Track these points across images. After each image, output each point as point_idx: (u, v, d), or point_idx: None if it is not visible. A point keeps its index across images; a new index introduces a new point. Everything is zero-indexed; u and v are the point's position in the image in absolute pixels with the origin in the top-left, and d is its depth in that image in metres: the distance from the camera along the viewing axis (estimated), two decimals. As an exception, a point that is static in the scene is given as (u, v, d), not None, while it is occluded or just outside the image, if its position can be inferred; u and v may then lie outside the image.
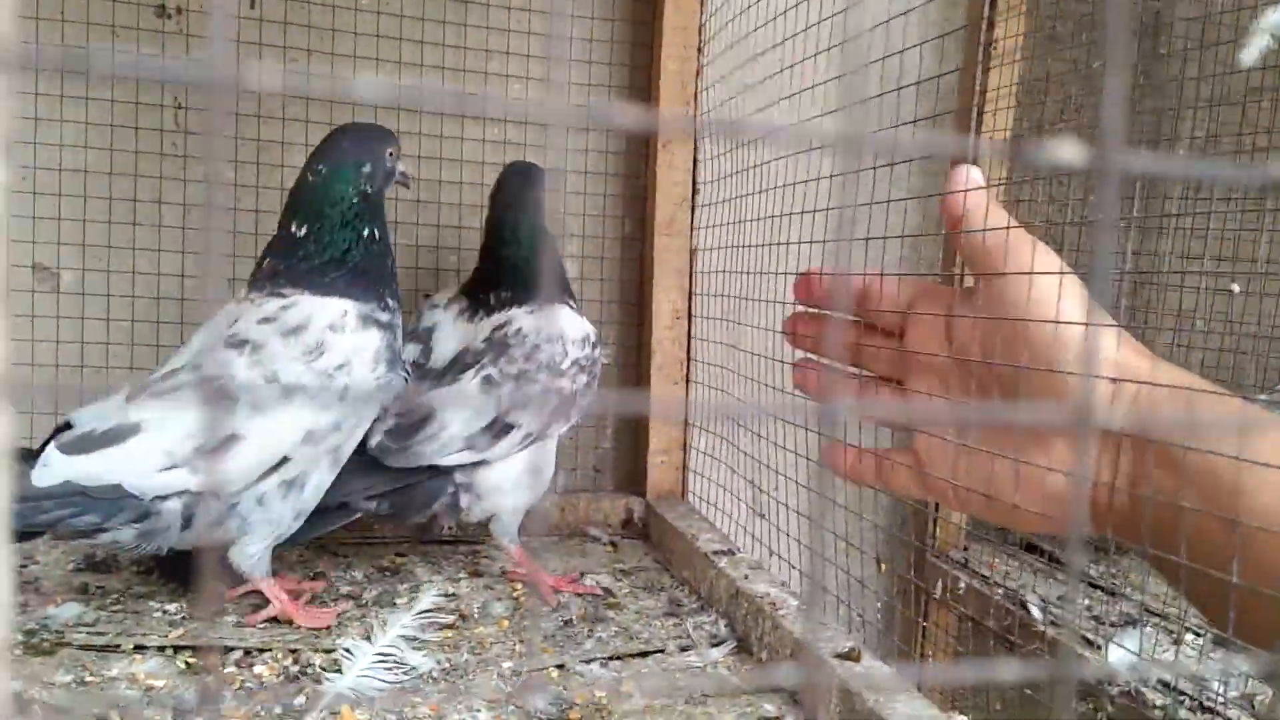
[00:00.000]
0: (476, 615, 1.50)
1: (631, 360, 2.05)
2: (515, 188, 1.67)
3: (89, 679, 1.22)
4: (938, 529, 2.06)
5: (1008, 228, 0.77)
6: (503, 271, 1.66)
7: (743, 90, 1.83)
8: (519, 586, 1.64)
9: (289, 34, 1.82)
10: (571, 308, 1.68)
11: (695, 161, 1.93)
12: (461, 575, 1.70)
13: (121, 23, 1.75)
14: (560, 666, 1.34)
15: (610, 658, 1.37)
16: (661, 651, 1.39)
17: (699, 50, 1.91)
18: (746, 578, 1.46)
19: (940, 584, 1.98)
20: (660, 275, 1.94)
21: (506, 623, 1.49)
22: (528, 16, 1.95)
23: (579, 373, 1.63)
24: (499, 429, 1.55)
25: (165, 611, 1.44)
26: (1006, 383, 0.77)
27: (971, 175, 0.79)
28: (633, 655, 1.38)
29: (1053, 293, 0.74)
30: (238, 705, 1.21)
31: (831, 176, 1.67)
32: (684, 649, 1.40)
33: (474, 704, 1.24)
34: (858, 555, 1.85)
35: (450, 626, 1.45)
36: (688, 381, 1.98)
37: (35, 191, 1.72)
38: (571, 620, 1.50)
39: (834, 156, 1.77)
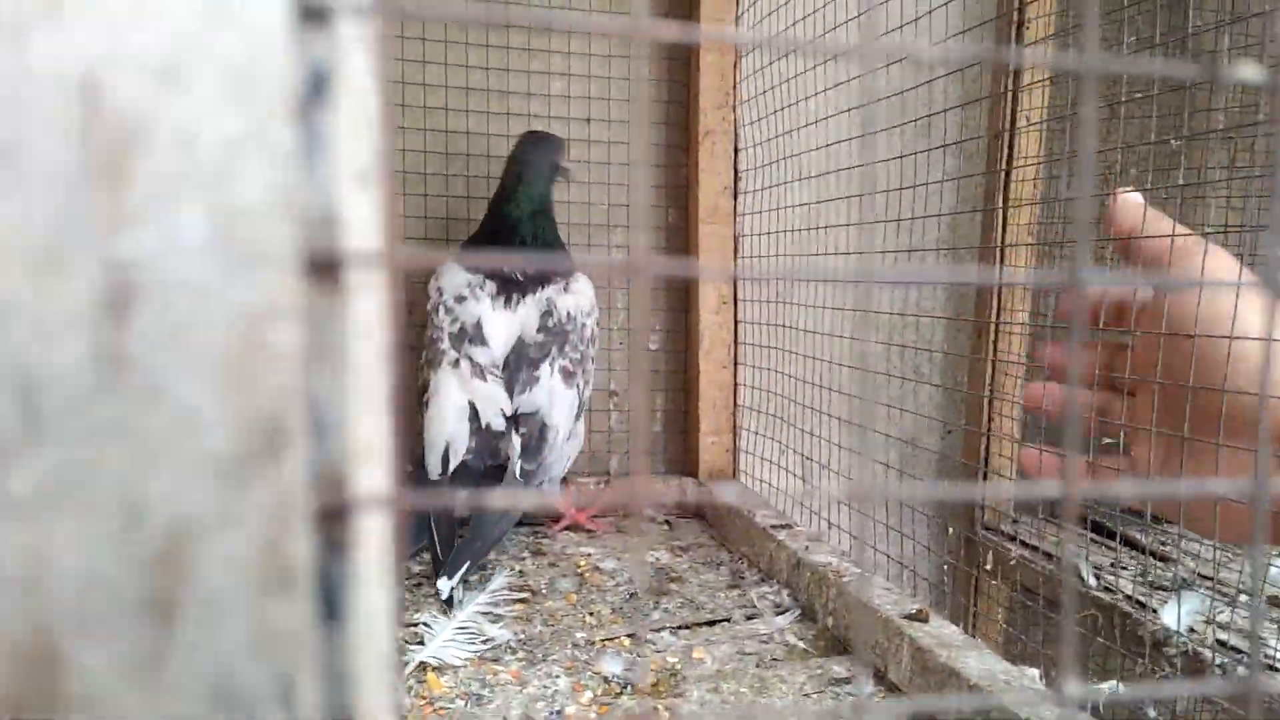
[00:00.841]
0: (544, 590, 1.56)
1: (679, 346, 2.11)
2: (530, 152, 1.75)
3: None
4: (984, 506, 2.10)
5: (1172, 235, 0.77)
6: (513, 232, 1.71)
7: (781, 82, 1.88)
8: (582, 563, 1.70)
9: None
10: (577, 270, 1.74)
11: (735, 150, 1.98)
12: (525, 555, 1.76)
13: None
14: (631, 636, 1.39)
15: (679, 627, 1.42)
16: (728, 620, 1.44)
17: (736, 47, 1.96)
18: (807, 549, 1.51)
19: (990, 556, 2.02)
20: (706, 262, 1.98)
21: (574, 597, 1.55)
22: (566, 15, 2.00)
23: (596, 335, 1.76)
24: (579, 413, 1.64)
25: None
26: (1182, 395, 0.78)
27: (1131, 198, 0.79)
28: (700, 624, 1.43)
29: (1228, 301, 0.73)
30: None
31: (862, 165, 1.72)
32: (749, 617, 1.45)
33: (552, 670, 1.30)
34: (910, 524, 1.89)
35: (521, 601, 1.51)
36: (735, 364, 2.02)
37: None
38: (636, 594, 1.55)
39: (858, 145, 1.82)
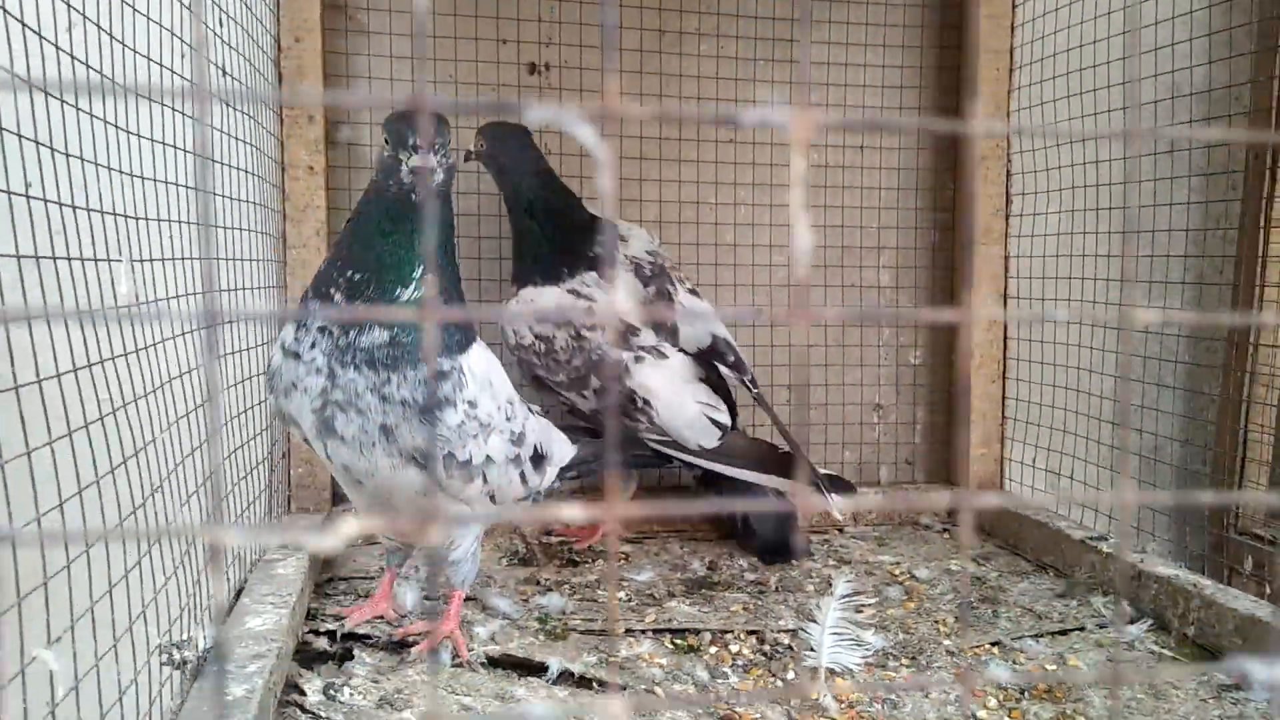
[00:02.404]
0: (879, 598, 1.67)
1: (942, 362, 2.21)
2: (514, 152, 1.80)
3: (611, 659, 1.42)
4: (1239, 510, 2.17)
5: None
6: (554, 242, 1.78)
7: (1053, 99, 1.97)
8: (896, 571, 1.81)
9: (644, 82, 2.02)
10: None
11: (1008, 174, 2.07)
12: (830, 561, 1.87)
13: (503, 80, 1.97)
14: (996, 644, 1.50)
15: (1036, 635, 1.52)
16: (1082, 629, 1.54)
17: (1010, 71, 2.05)
18: (1143, 561, 1.60)
19: (1249, 561, 2.09)
20: (978, 281, 2.08)
21: (911, 604, 1.66)
22: (844, 49, 2.11)
23: None
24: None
25: (617, 599, 1.64)
26: None
27: None
28: (1055, 633, 1.54)
29: None
30: (740, 679, 1.41)
31: (1125, 183, 1.81)
32: (1101, 626, 1.55)
33: (943, 677, 1.42)
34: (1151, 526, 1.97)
35: (864, 608, 1.63)
36: (1004, 379, 2.12)
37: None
38: (971, 602, 1.66)
39: (1122, 164, 1.90)
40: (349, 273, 1.24)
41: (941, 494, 1.98)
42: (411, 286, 1.24)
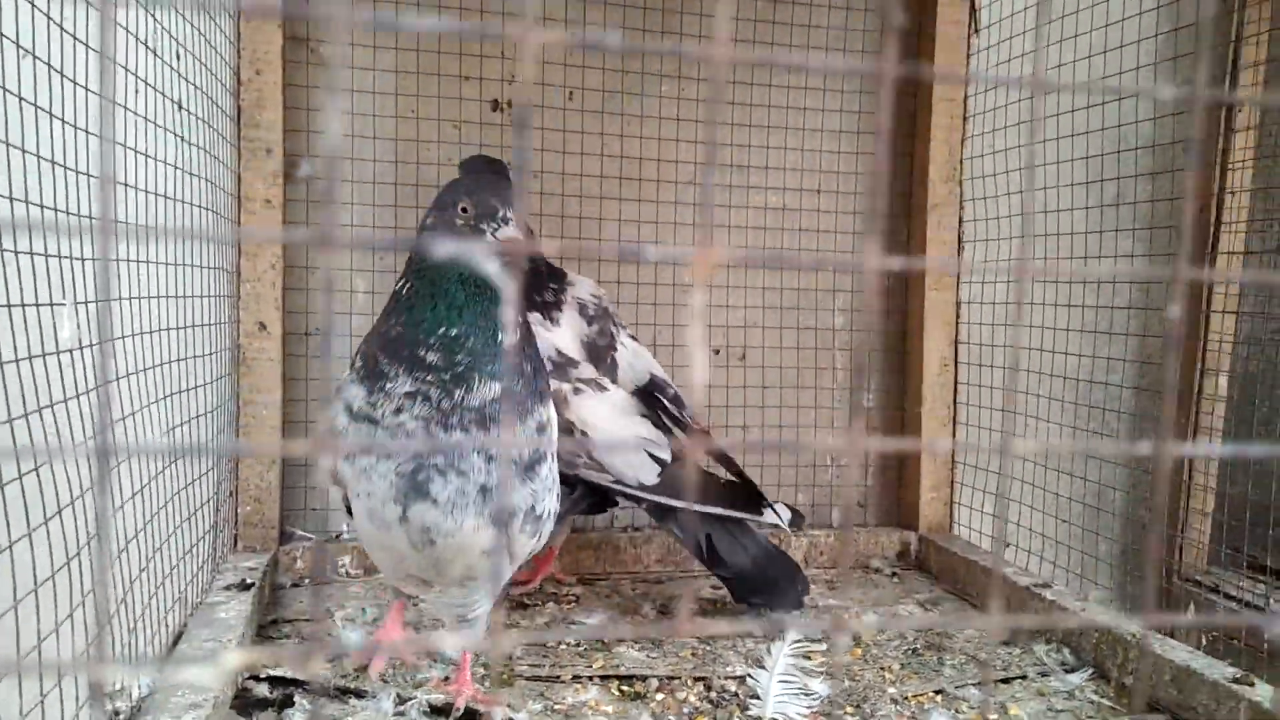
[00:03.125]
0: (832, 645, 1.68)
1: (894, 404, 2.23)
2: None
3: (557, 706, 1.42)
4: (1181, 554, 2.21)
5: None
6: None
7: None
8: (847, 617, 1.82)
9: (605, 121, 2.03)
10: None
11: (960, 221, 2.11)
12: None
13: (465, 117, 1.98)
14: (939, 692, 1.52)
15: (977, 684, 1.54)
16: (1024, 678, 1.56)
17: (963, 119, 2.09)
18: (1084, 610, 1.62)
19: (1190, 609, 2.13)
20: (930, 327, 2.11)
21: (859, 650, 1.67)
22: (803, 94, 2.15)
23: None
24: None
25: (565, 644, 1.64)
26: None
27: None
28: (999, 681, 1.55)
29: None
30: (685, 729, 1.41)
31: (1087, 233, 1.85)
32: (1043, 674, 1.57)
33: (887, 726, 1.43)
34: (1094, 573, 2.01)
35: (813, 654, 1.63)
36: (954, 423, 2.15)
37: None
38: (917, 649, 1.68)
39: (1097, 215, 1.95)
40: (441, 330, 1.21)
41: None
42: (508, 333, 1.20)
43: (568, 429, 1.70)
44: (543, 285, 1.78)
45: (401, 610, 1.47)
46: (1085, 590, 1.91)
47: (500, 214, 1.20)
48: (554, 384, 1.68)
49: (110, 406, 1.05)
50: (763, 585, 1.76)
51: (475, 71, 1.99)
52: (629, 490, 1.73)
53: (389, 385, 1.21)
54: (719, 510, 1.74)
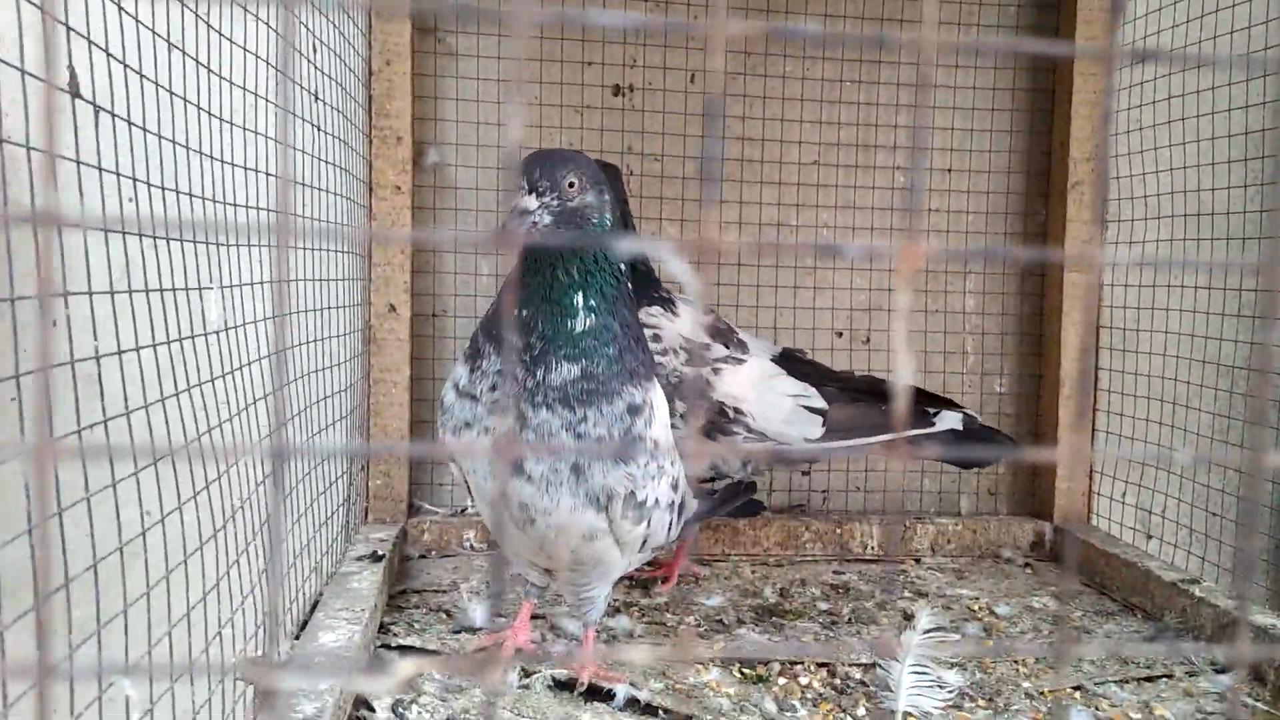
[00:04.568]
0: (955, 633, 1.63)
1: (1029, 390, 2.14)
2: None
3: (678, 686, 1.42)
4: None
5: None
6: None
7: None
8: (976, 609, 1.76)
9: (726, 104, 2.01)
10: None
11: (1104, 200, 2.00)
12: (906, 594, 1.83)
13: (587, 102, 1.99)
14: (1079, 688, 1.45)
15: (1121, 681, 1.47)
16: (1169, 677, 1.48)
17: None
18: (1237, 608, 1.53)
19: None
20: (1069, 309, 2.02)
21: (990, 642, 1.62)
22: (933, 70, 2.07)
23: None
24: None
25: (685, 624, 1.64)
26: None
27: None
28: (1142, 679, 1.48)
29: None
30: (808, 713, 1.39)
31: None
32: (1191, 674, 1.48)
33: (1020, 721, 1.37)
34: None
35: (945, 644, 1.58)
36: (1094, 411, 2.05)
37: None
38: (1053, 643, 1.61)
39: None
40: (518, 311, 1.24)
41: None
42: (579, 317, 1.24)
43: (719, 411, 1.69)
44: (657, 281, 1.78)
45: (530, 610, 1.49)
46: (1238, 588, 1.79)
47: (519, 182, 1.22)
48: (692, 371, 1.68)
49: (285, 409, 1.10)
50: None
51: (596, 57, 2.00)
52: (795, 449, 1.72)
53: (484, 364, 1.26)
54: (889, 438, 1.70)
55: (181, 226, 0.97)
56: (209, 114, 1.02)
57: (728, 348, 1.75)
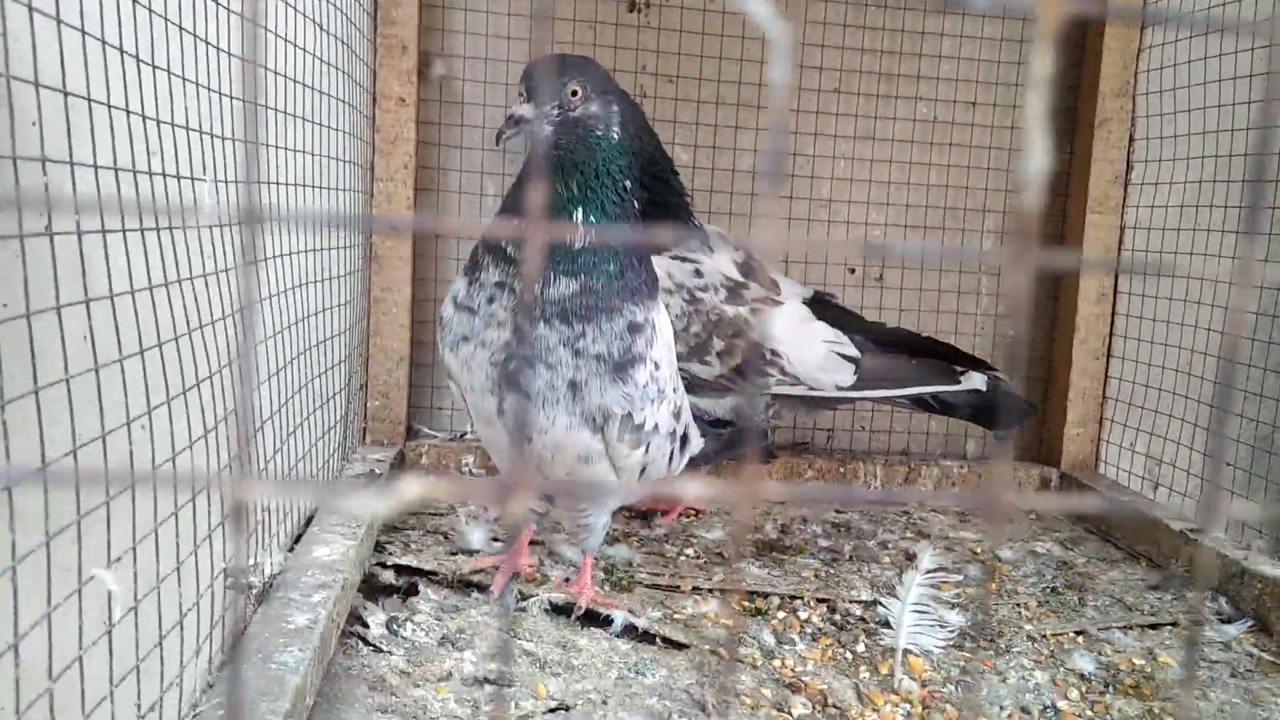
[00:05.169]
0: (960, 575, 1.61)
1: (1041, 335, 2.10)
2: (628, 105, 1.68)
3: (676, 616, 1.39)
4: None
5: None
6: (661, 210, 1.69)
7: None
8: (979, 551, 1.74)
9: (745, 24, 1.94)
10: None
11: (1131, 140, 1.94)
12: (908, 534, 1.81)
13: (601, 17, 1.91)
14: (1081, 633, 1.43)
15: (1125, 627, 1.45)
16: (1174, 624, 1.46)
17: (1140, 28, 1.91)
18: (1246, 558, 1.50)
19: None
20: (1090, 251, 1.96)
21: (994, 585, 1.60)
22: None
23: None
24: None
25: (685, 555, 1.61)
26: None
27: None
28: (1146, 626, 1.45)
29: None
30: (807, 647, 1.37)
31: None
32: (1195, 623, 1.46)
33: (1023, 663, 1.35)
34: None
35: (946, 585, 1.56)
36: (1109, 356, 2.01)
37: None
38: (1056, 588, 1.59)
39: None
40: (516, 221, 1.21)
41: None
42: (580, 232, 1.20)
43: (757, 352, 1.67)
44: (686, 210, 1.72)
45: (529, 535, 1.46)
46: (1247, 538, 1.77)
47: (520, 89, 1.19)
48: (732, 309, 1.64)
49: (256, 282, 1.05)
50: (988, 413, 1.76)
51: (613, -31, 1.92)
52: (827, 395, 1.71)
53: (482, 275, 1.22)
54: (916, 392, 1.72)
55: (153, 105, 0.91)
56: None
57: (763, 287, 1.71)
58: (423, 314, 1.86)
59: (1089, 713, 1.24)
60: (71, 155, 0.71)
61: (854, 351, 1.70)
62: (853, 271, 2.07)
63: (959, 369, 1.73)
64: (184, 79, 0.94)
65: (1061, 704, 1.26)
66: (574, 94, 1.20)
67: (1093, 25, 1.95)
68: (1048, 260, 0.38)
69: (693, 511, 1.80)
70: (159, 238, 0.86)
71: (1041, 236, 2.03)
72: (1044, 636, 1.42)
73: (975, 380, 1.72)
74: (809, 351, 1.69)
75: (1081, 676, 1.32)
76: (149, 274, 0.82)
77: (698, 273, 1.66)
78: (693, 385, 1.67)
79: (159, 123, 0.88)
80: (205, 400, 0.90)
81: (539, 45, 1.88)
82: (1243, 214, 1.74)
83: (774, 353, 1.67)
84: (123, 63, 0.80)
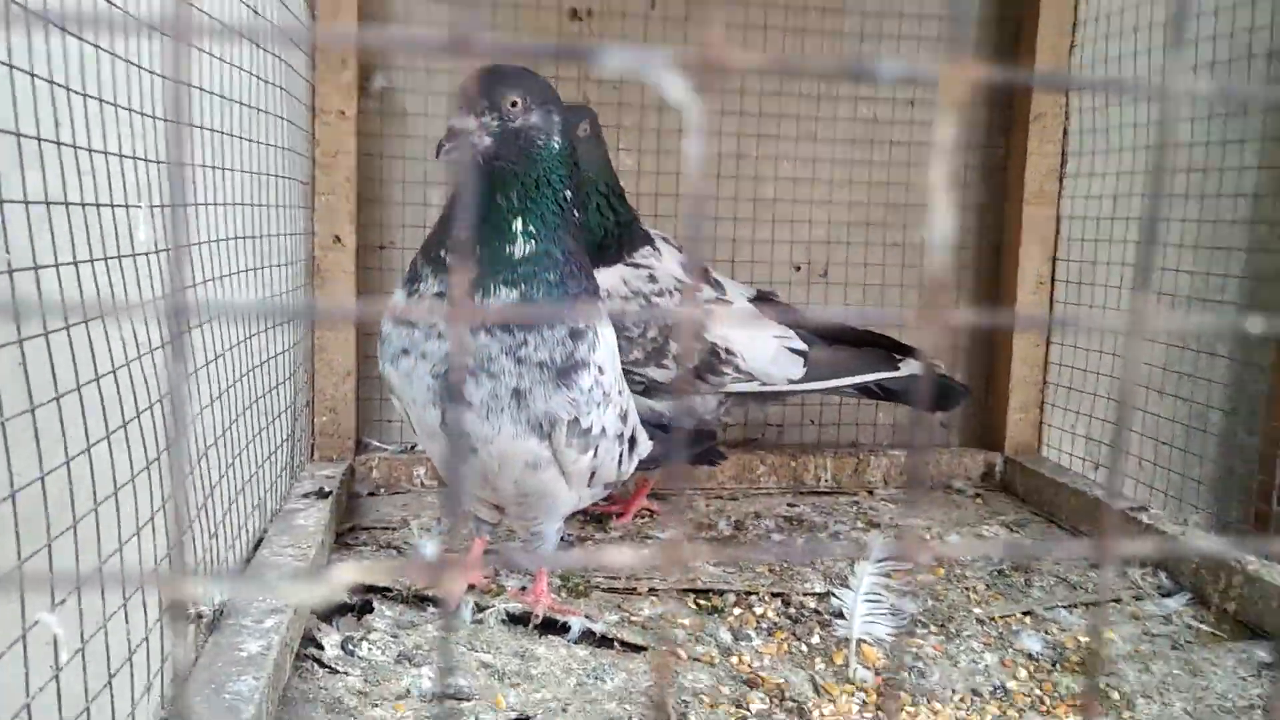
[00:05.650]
0: (915, 564, 1.64)
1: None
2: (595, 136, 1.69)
3: (634, 618, 1.41)
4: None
5: None
6: (618, 228, 1.71)
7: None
8: (928, 536, 1.77)
9: (688, 30, 1.95)
10: None
11: (1065, 133, 1.99)
12: (859, 525, 1.84)
13: (542, 25, 1.92)
14: (1028, 613, 1.47)
15: (1070, 605, 1.49)
16: (1118, 601, 1.50)
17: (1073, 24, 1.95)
18: (1183, 534, 1.55)
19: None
20: (1027, 243, 2.01)
21: (942, 570, 1.63)
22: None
23: None
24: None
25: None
26: None
27: None
28: (1090, 604, 1.50)
29: None
30: (763, 642, 1.39)
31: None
32: (1137, 598, 1.51)
33: (973, 645, 1.39)
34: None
35: (895, 574, 1.59)
36: (1048, 344, 2.06)
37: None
38: (1003, 570, 1.63)
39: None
40: (453, 232, 1.21)
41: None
42: (518, 243, 1.21)
43: (712, 351, 1.72)
44: (637, 223, 1.74)
45: (482, 546, 1.47)
46: (1184, 514, 1.83)
47: (459, 101, 1.21)
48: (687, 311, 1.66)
49: (182, 270, 1.04)
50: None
51: (553, -23, 1.92)
52: (780, 390, 1.77)
53: (421, 287, 1.22)
54: (861, 380, 1.79)
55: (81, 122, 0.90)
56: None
57: (711, 288, 1.75)
58: (368, 326, 1.85)
59: (1038, 691, 1.28)
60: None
61: (802, 345, 1.76)
62: (798, 269, 2.10)
63: (898, 357, 1.80)
64: (115, 104, 0.93)
65: (1011, 684, 1.29)
66: (513, 104, 1.20)
67: (1025, 22, 1.99)
68: (961, 319, 0.40)
69: (648, 511, 1.81)
70: (93, 269, 0.85)
71: (981, 228, 2.08)
72: (992, 619, 1.45)
73: (914, 367, 1.79)
74: (761, 348, 1.73)
75: (1029, 656, 1.35)
76: (84, 309, 0.82)
77: (652, 278, 1.68)
78: (650, 389, 1.69)
79: (90, 151, 0.87)
80: (143, 436, 0.90)
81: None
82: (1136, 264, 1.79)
83: (729, 351, 1.71)
84: (52, 92, 0.79)
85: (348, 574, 0.34)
